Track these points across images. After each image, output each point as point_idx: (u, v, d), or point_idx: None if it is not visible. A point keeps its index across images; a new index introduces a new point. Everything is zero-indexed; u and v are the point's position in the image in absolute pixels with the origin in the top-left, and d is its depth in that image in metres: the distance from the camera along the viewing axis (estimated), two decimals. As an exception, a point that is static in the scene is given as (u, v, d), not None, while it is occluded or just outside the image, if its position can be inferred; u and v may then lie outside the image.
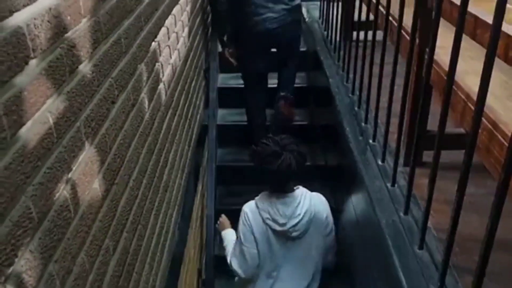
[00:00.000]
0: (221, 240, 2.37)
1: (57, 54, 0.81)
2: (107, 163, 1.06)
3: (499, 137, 1.03)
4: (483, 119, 1.07)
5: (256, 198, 2.08)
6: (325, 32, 3.13)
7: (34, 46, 0.73)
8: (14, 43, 0.67)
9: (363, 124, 2.03)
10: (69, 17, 0.87)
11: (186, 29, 2.24)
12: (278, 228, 2.00)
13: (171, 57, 1.84)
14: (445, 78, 1.07)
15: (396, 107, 1.56)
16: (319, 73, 2.91)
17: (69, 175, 0.85)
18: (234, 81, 3.60)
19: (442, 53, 1.30)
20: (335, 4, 2.79)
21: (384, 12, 1.75)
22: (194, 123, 2.54)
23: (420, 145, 1.34)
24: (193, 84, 2.47)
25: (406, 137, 1.73)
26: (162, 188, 1.66)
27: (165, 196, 1.72)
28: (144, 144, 1.40)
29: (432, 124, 1.52)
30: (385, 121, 1.67)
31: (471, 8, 1.12)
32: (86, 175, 0.93)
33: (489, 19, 0.96)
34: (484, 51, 0.91)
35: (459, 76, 1.26)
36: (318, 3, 3.46)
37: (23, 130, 0.69)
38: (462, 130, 1.65)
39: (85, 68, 0.94)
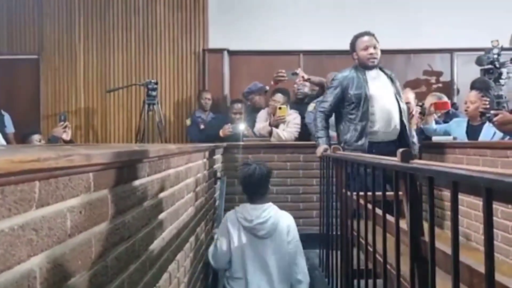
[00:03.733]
0: None
1: (61, 298, 0.82)
2: None
3: None
4: None
5: (237, 207, 2.77)
6: (326, 280, 3.12)
7: (41, 289, 0.75)
8: (24, 286, 0.70)
9: None
10: (79, 262, 0.91)
11: (188, 275, 2.26)
12: (246, 224, 2.62)
13: (170, 304, 1.81)
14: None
15: None
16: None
17: None
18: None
19: (445, 303, 1.29)
20: (334, 252, 2.88)
21: (382, 260, 1.80)
22: None
23: None
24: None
25: None
26: None
27: None
28: None
29: None
30: None
31: (463, 258, 1.18)
32: None
33: (483, 269, 0.99)
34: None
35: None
36: (317, 251, 3.56)
37: None
38: None
39: (84, 313, 0.93)
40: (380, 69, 3.44)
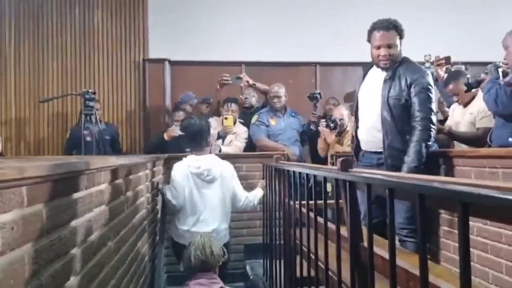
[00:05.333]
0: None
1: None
2: None
3: None
4: None
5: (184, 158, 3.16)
6: (270, 289, 3.14)
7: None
8: None
9: None
10: (11, 281, 0.86)
11: (129, 291, 2.18)
12: (195, 170, 3.04)
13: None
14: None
15: None
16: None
17: None
18: None
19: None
20: (278, 261, 2.91)
21: (324, 267, 1.84)
22: None
23: None
24: None
25: None
26: None
27: None
28: None
29: None
30: None
31: (400, 262, 1.23)
32: None
33: (417, 272, 1.05)
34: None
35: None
36: (261, 261, 3.58)
37: None
38: None
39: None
40: (397, 68, 2.80)
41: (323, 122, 4.35)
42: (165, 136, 4.45)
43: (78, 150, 4.52)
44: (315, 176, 1.87)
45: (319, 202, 1.94)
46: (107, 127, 4.82)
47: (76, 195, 1.29)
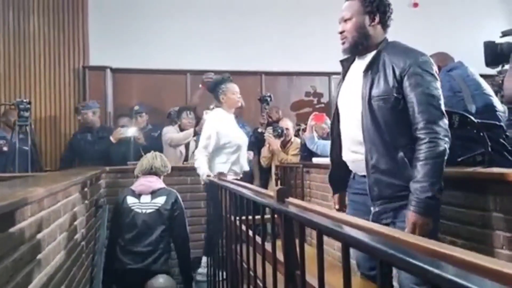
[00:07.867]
0: None
1: None
2: None
3: None
4: None
5: None
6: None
7: None
8: None
9: None
10: None
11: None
12: None
13: None
14: None
15: None
16: None
17: None
18: None
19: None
20: (222, 275, 2.90)
21: (262, 285, 1.85)
22: None
23: None
24: None
25: None
26: None
27: None
28: None
29: None
30: None
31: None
32: None
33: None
34: None
35: None
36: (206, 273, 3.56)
37: None
38: None
39: None
40: (379, 55, 1.93)
41: (269, 130, 4.41)
42: (112, 138, 4.35)
43: None
44: (254, 202, 1.86)
45: (257, 217, 1.93)
46: (25, 137, 4.32)
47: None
